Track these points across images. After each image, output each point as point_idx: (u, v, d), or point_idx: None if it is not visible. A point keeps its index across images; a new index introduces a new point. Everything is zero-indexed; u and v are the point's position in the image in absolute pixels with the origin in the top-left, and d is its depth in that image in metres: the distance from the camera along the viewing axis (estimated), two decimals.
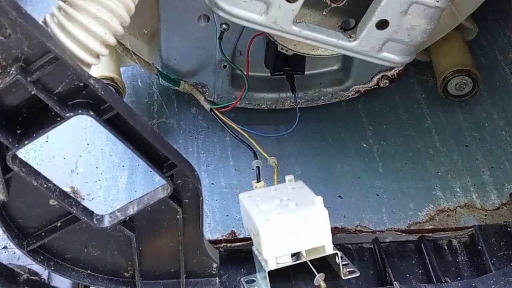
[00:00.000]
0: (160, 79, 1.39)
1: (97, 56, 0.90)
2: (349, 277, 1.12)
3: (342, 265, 1.11)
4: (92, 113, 0.86)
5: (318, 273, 1.07)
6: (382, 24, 1.03)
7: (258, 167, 1.23)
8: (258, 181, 1.21)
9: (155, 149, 0.93)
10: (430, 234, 1.25)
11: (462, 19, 1.43)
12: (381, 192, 1.37)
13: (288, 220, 1.05)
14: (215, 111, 1.36)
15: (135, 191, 1.35)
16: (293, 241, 1.06)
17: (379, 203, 1.35)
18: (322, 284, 1.08)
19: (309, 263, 1.07)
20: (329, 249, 1.08)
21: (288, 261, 1.07)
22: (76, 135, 1.45)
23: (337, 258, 1.10)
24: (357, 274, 1.12)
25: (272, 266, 1.06)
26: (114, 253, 1.05)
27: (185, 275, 1.10)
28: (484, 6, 1.40)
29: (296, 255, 1.08)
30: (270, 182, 1.23)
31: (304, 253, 1.07)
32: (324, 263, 1.13)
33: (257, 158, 1.25)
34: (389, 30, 1.04)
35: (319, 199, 1.06)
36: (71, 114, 0.84)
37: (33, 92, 0.81)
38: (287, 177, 1.17)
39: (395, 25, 1.03)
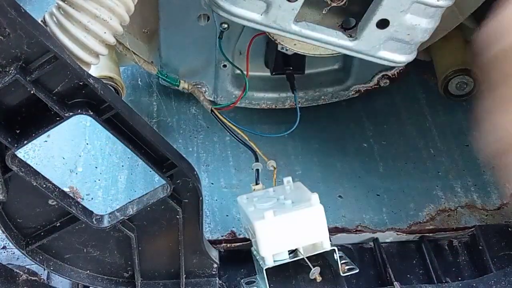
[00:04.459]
0: (160, 78, 1.39)
1: (97, 55, 0.90)
2: (348, 274, 1.11)
3: (341, 262, 1.11)
4: (91, 113, 0.85)
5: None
6: (383, 23, 1.02)
7: (257, 169, 1.23)
8: (257, 183, 1.21)
9: (154, 149, 0.93)
10: (430, 234, 1.25)
11: (463, 19, 1.42)
12: (382, 192, 1.37)
13: (283, 217, 1.05)
14: (215, 111, 1.36)
15: (135, 191, 1.34)
16: (290, 238, 1.06)
17: (380, 203, 1.34)
18: (318, 277, 1.08)
19: (306, 259, 1.07)
20: (327, 245, 1.08)
21: (285, 258, 1.07)
22: (75, 135, 1.44)
23: (335, 254, 1.09)
24: (356, 271, 1.11)
25: (270, 263, 1.06)
26: (114, 253, 1.05)
27: (185, 275, 1.09)
28: (484, 6, 1.39)
29: (293, 252, 1.08)
30: (270, 183, 1.23)
31: (301, 250, 1.07)
32: (324, 264, 1.12)
33: (257, 161, 1.25)
34: (389, 29, 1.03)
35: (315, 196, 1.06)
36: (71, 113, 0.84)
37: (32, 92, 0.81)
38: (285, 179, 1.17)
39: (396, 24, 1.02)
